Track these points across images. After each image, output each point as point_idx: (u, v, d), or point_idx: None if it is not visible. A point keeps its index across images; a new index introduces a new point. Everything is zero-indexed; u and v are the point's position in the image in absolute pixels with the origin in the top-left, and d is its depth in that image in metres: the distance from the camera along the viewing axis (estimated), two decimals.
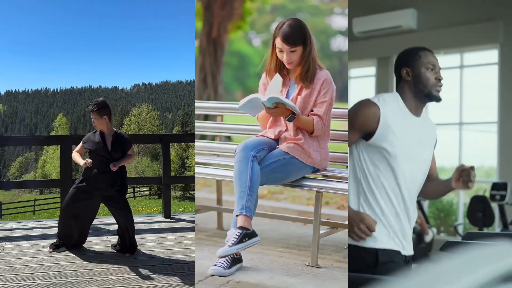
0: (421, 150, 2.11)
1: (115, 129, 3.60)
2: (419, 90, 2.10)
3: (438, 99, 2.10)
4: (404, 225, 2.07)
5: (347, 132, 3.20)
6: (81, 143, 3.63)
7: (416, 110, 2.12)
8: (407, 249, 2.10)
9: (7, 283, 2.95)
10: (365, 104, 2.06)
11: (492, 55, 7.05)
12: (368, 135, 2.05)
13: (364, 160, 2.08)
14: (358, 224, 2.00)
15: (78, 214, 3.55)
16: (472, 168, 2.03)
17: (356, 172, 2.11)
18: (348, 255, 2.08)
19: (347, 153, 3.18)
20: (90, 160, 3.45)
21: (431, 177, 2.26)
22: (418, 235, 6.26)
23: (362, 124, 2.04)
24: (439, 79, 2.10)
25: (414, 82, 2.10)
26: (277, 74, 2.82)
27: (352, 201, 2.09)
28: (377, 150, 2.04)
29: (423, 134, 2.13)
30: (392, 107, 2.06)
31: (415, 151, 2.08)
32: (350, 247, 2.08)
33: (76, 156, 3.61)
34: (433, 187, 2.25)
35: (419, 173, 2.12)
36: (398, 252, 2.05)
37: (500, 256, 0.73)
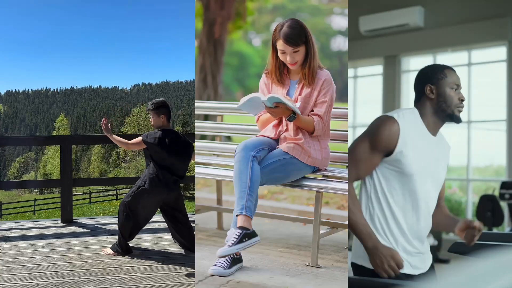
0: (437, 169, 2.06)
1: (172, 129, 3.61)
2: (442, 109, 2.04)
3: (459, 120, 2.05)
4: (414, 244, 2.02)
5: (347, 132, 3.21)
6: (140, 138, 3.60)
7: (434, 129, 2.07)
8: (413, 268, 2.02)
9: (6, 283, 2.94)
10: (387, 122, 1.97)
11: (500, 52, 7.02)
12: (387, 154, 1.98)
13: (377, 177, 2.02)
14: (388, 261, 1.90)
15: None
16: (480, 229, 2.01)
17: (367, 188, 2.05)
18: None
19: (347, 153, 3.17)
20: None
21: (439, 202, 2.19)
22: None
23: (386, 144, 1.96)
24: (462, 100, 2.05)
25: (438, 101, 2.04)
26: (256, 94, 2.81)
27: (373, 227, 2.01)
28: (392, 168, 1.99)
29: (439, 153, 2.08)
30: (410, 124, 2.00)
31: (432, 170, 2.04)
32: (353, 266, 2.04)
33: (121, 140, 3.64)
34: (438, 218, 2.19)
35: (434, 191, 2.07)
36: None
37: (507, 268, 0.71)
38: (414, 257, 2.03)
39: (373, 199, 2.03)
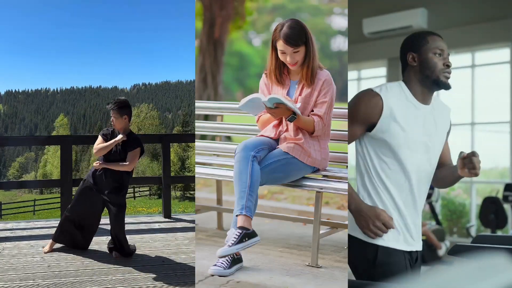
0: (430, 139, 2.02)
1: (130, 130, 3.56)
2: (426, 76, 1.98)
3: (447, 86, 1.98)
4: (409, 219, 2.01)
5: (347, 132, 3.21)
6: (100, 136, 3.53)
7: (424, 98, 2.01)
8: (413, 244, 2.02)
9: (8, 283, 2.95)
10: (366, 94, 1.96)
11: (504, 54, 7.00)
12: (371, 127, 1.97)
13: (368, 153, 2.01)
14: (373, 221, 1.90)
15: (82, 213, 3.52)
16: (473, 154, 1.89)
17: (360, 166, 2.04)
18: (348, 250, 2.05)
19: (347, 153, 3.18)
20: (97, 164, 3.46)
21: (444, 164, 2.15)
22: (431, 250, 6.12)
23: (365, 116, 1.95)
24: (447, 65, 1.98)
25: (421, 68, 1.99)
26: (256, 94, 2.81)
27: (361, 195, 2.02)
28: (381, 142, 1.97)
29: (433, 121, 2.04)
30: (395, 96, 1.96)
31: (423, 141, 2.00)
32: (350, 240, 2.03)
33: (99, 144, 3.50)
34: (442, 174, 2.14)
35: (428, 163, 2.04)
36: (401, 251, 1.98)
37: (493, 272, 0.72)
38: (408, 233, 2.01)
39: (365, 177, 2.02)
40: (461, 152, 1.95)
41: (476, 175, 1.92)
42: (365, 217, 1.92)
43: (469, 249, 2.31)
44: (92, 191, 3.49)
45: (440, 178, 2.15)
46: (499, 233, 6.14)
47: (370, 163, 2.01)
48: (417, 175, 2.01)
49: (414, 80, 2.01)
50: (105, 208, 3.58)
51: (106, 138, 3.52)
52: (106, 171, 3.48)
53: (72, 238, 3.60)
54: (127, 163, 3.47)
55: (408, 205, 2.01)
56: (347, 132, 3.20)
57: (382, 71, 8.11)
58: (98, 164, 3.47)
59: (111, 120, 3.49)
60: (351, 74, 8.46)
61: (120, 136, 3.45)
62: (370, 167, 2.01)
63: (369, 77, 8.46)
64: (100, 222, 4.55)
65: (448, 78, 1.99)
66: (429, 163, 2.06)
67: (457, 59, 7.37)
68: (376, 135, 1.97)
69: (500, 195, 6.29)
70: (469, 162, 1.90)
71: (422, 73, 1.99)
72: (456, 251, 2.35)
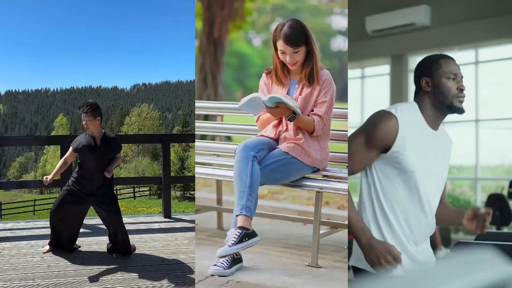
0: (438, 166, 2.00)
1: (103, 131, 3.55)
2: (439, 101, 1.97)
3: (460, 111, 1.98)
4: (418, 246, 1.98)
5: (347, 132, 3.21)
6: (70, 149, 3.50)
7: (435, 123, 2.00)
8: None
9: (7, 283, 2.95)
10: (383, 116, 1.92)
11: (507, 49, 6.98)
12: (385, 150, 1.92)
13: (377, 176, 1.96)
14: (384, 256, 1.85)
15: (66, 217, 3.48)
16: (488, 213, 1.93)
17: (365, 189, 1.99)
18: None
19: (347, 153, 3.17)
20: (49, 179, 3.47)
21: (441, 197, 2.11)
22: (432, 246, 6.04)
23: (382, 140, 1.90)
24: (461, 89, 1.96)
25: (434, 93, 1.97)
26: (256, 94, 2.80)
27: (373, 228, 1.96)
28: (392, 165, 1.93)
29: (440, 149, 2.02)
30: (409, 118, 1.93)
31: (433, 166, 1.97)
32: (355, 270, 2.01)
33: (58, 166, 3.53)
34: (442, 213, 2.11)
35: (436, 189, 2.01)
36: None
37: (478, 267, 0.72)
38: (414, 259, 1.97)
39: (373, 197, 1.98)
40: (477, 208, 1.97)
41: (482, 233, 1.98)
42: (376, 253, 1.85)
43: (471, 246, 2.30)
44: (77, 196, 3.47)
45: (440, 216, 2.11)
46: (505, 230, 6.13)
47: (379, 184, 1.96)
48: (428, 201, 1.98)
49: (427, 105, 2.00)
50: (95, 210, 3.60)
51: (83, 149, 3.47)
52: (94, 173, 3.48)
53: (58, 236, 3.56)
54: (115, 160, 3.59)
55: (415, 231, 1.98)
56: (347, 132, 3.21)
57: (385, 68, 8.11)
58: (108, 174, 3.47)
59: (84, 123, 3.44)
60: (355, 72, 8.45)
61: (46, 179, 3.52)
62: (378, 189, 1.96)
63: (372, 75, 8.46)
64: (100, 222, 4.55)
65: (462, 102, 1.98)
66: (438, 189, 2.03)
67: (460, 56, 7.36)
68: (389, 158, 1.93)
69: (505, 192, 6.28)
70: (482, 220, 1.95)
71: (436, 98, 1.98)
72: (458, 248, 2.34)
